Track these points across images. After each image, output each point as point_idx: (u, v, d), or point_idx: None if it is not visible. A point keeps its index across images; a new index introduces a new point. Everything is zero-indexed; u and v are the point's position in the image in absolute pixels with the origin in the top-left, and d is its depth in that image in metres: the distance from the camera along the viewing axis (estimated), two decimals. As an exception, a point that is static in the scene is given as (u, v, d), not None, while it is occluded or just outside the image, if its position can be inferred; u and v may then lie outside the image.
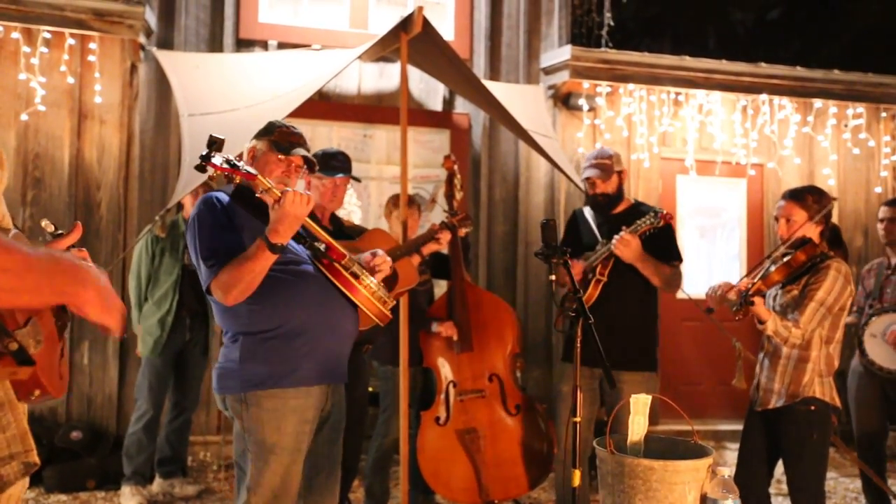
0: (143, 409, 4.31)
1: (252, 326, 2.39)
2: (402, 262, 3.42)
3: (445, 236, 3.59)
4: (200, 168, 2.19)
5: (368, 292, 2.44)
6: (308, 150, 2.58)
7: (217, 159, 2.18)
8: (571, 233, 3.82)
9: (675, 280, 3.65)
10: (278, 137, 2.52)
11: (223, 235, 2.36)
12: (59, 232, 1.39)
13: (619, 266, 3.46)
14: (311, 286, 2.42)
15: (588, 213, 3.81)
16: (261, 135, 2.56)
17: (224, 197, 2.44)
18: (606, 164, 3.66)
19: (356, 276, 2.43)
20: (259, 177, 2.23)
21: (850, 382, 4.17)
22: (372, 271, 2.53)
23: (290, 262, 2.39)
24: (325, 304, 2.44)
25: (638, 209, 3.69)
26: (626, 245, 3.38)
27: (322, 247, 2.41)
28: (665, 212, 3.41)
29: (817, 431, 3.00)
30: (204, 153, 2.18)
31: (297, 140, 2.55)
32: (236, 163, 2.21)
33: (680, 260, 3.70)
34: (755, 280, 3.05)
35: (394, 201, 4.19)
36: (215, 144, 2.19)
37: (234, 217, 2.40)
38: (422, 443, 3.77)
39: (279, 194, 2.24)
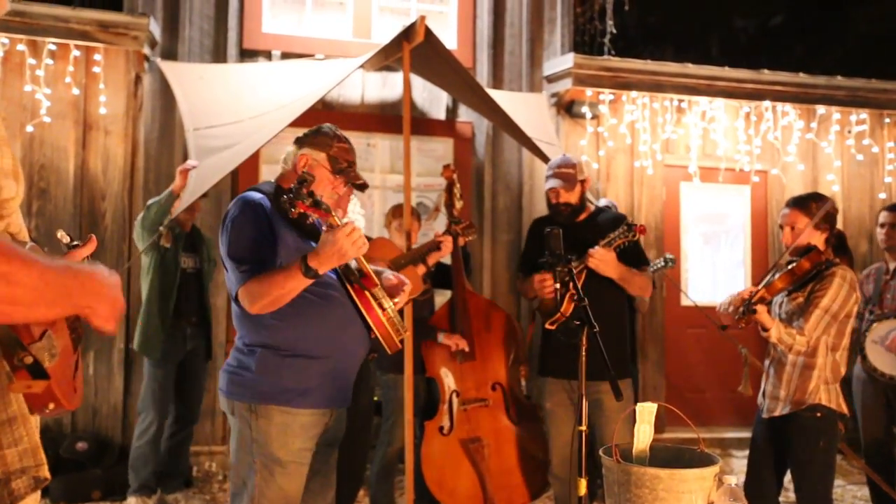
0: (149, 420, 4.28)
1: (273, 341, 2.37)
2: (406, 271, 3.42)
3: (448, 242, 3.59)
4: (290, 204, 2.14)
5: (389, 324, 2.41)
6: (355, 166, 2.55)
7: (305, 199, 2.14)
8: (534, 245, 3.66)
9: (647, 286, 3.63)
10: (337, 154, 2.48)
11: (261, 243, 2.33)
12: (76, 243, 1.40)
13: (591, 277, 3.41)
14: (337, 311, 2.40)
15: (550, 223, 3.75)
16: (316, 144, 2.49)
17: (265, 201, 2.39)
18: (570, 174, 3.54)
19: (381, 307, 2.40)
20: (333, 215, 2.20)
21: (855, 389, 4.16)
22: (394, 293, 2.50)
23: (320, 283, 2.34)
24: (346, 331, 2.42)
25: (598, 217, 3.61)
26: (603, 260, 3.33)
27: (358, 272, 2.38)
28: (639, 224, 3.36)
29: (824, 439, 2.99)
30: (293, 193, 2.14)
31: (353, 158, 2.52)
32: (319, 200, 2.17)
33: (647, 265, 3.68)
34: (759, 287, 3.05)
35: (393, 212, 4.19)
36: (305, 182, 2.17)
37: (275, 225, 2.36)
38: (426, 452, 3.77)
39: (338, 222, 2.20)
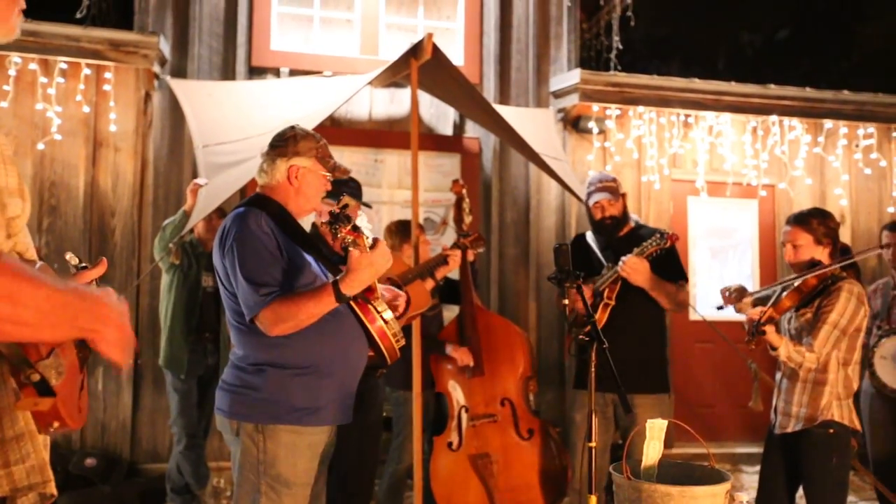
0: (179, 434, 4.37)
1: (282, 359, 2.33)
2: (414, 285, 3.42)
3: (456, 256, 3.60)
4: (335, 230, 2.16)
5: (390, 330, 2.41)
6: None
7: (347, 225, 2.16)
8: (575, 258, 3.78)
9: (683, 300, 3.63)
10: (323, 153, 2.48)
11: (276, 263, 2.30)
12: (84, 265, 1.40)
13: (627, 289, 3.45)
14: (344, 327, 2.38)
15: (590, 237, 3.81)
16: (300, 152, 2.44)
17: (263, 215, 2.35)
18: (613, 187, 3.68)
19: (384, 319, 2.39)
20: (364, 236, 2.20)
21: (863, 405, 4.11)
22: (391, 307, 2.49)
23: None
24: (353, 346, 2.41)
25: (639, 232, 3.69)
26: (635, 268, 3.37)
27: None
28: (671, 233, 3.40)
29: (837, 455, 2.97)
30: (339, 219, 2.16)
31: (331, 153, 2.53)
32: (357, 225, 2.19)
33: (685, 279, 3.68)
34: (767, 308, 3.03)
35: (393, 228, 4.15)
36: (347, 207, 2.19)
37: (278, 239, 2.34)
38: (434, 468, 3.75)
39: (368, 243, 2.19)
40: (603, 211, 3.66)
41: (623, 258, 3.41)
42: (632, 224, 3.78)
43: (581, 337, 2.41)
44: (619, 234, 3.69)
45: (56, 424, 1.18)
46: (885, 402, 4.04)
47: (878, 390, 4.01)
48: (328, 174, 2.49)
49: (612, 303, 3.46)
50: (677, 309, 3.70)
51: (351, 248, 2.20)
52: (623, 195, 3.72)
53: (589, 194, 3.74)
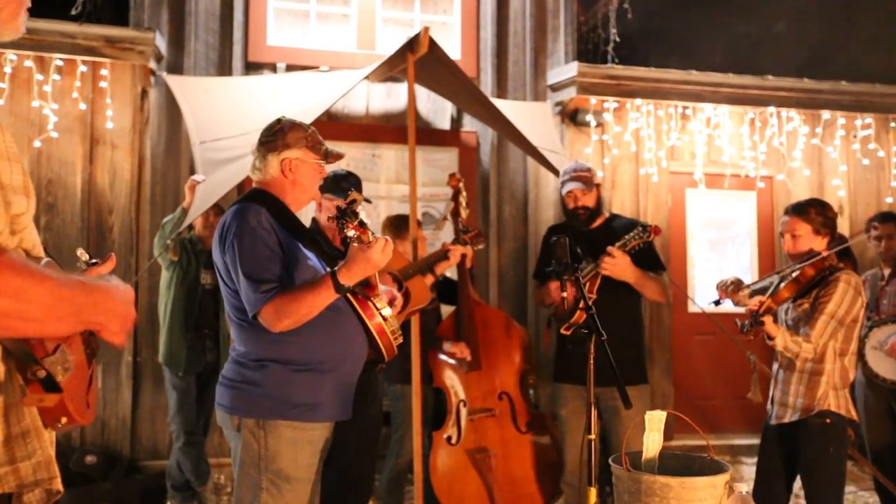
0: (177, 430, 4.37)
1: (283, 355, 2.33)
2: (414, 280, 3.42)
3: (456, 251, 3.60)
4: (342, 226, 2.15)
5: (388, 328, 2.42)
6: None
7: (353, 220, 2.15)
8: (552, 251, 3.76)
9: (664, 291, 3.63)
10: (313, 141, 2.47)
11: (276, 259, 2.29)
12: (94, 261, 1.41)
13: (606, 282, 3.44)
14: (345, 323, 2.39)
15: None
16: (290, 143, 2.43)
17: (263, 210, 2.34)
18: (587, 177, 3.63)
19: (382, 316, 2.40)
20: (369, 232, 2.20)
21: (857, 395, 4.14)
22: (389, 303, 2.51)
23: None
24: (353, 342, 2.41)
25: (613, 223, 3.66)
26: (616, 263, 3.35)
27: (362, 281, 2.37)
28: (654, 225, 3.39)
29: (834, 445, 2.98)
30: (345, 215, 2.15)
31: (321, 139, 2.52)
32: (363, 221, 2.19)
33: (663, 269, 3.68)
34: (765, 298, 3.04)
35: (393, 221, 4.16)
36: (354, 202, 2.17)
37: (278, 234, 2.34)
38: (434, 462, 3.76)
39: (371, 239, 2.18)
40: (576, 200, 3.63)
41: (605, 254, 3.38)
42: (606, 215, 3.75)
43: (582, 330, 2.40)
44: (591, 225, 3.66)
45: (64, 420, 1.18)
46: (878, 391, 4.07)
47: (870, 380, 4.04)
48: (322, 161, 2.49)
49: (594, 296, 3.44)
50: (659, 300, 3.68)
51: (353, 243, 2.20)
52: (597, 186, 3.66)
53: (563, 183, 3.70)
